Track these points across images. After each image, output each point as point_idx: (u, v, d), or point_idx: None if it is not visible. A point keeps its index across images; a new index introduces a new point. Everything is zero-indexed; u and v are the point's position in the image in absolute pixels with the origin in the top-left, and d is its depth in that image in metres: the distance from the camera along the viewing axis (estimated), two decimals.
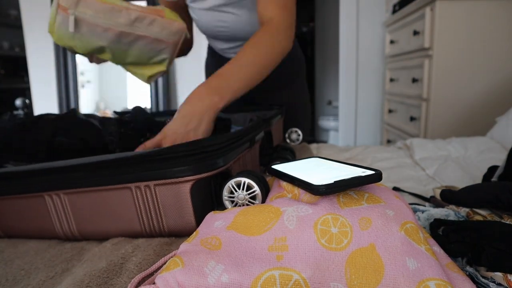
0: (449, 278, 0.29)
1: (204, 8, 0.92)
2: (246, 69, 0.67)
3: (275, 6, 0.73)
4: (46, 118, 0.63)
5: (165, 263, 0.35)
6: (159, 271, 0.35)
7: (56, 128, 0.61)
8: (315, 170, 0.43)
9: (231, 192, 0.44)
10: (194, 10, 0.95)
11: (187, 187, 0.41)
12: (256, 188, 0.43)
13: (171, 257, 0.35)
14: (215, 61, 1.15)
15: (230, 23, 0.93)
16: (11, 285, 0.39)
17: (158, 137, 0.58)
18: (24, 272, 0.41)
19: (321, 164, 0.45)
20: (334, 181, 0.35)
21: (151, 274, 0.35)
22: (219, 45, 1.06)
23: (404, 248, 0.30)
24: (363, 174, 0.37)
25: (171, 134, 0.58)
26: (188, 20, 0.99)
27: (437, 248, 0.35)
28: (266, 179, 0.48)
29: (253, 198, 0.43)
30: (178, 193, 0.42)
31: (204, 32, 1.02)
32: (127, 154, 0.42)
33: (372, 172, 0.38)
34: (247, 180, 0.43)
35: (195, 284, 0.29)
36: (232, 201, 0.44)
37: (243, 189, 0.43)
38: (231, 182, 0.43)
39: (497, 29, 1.51)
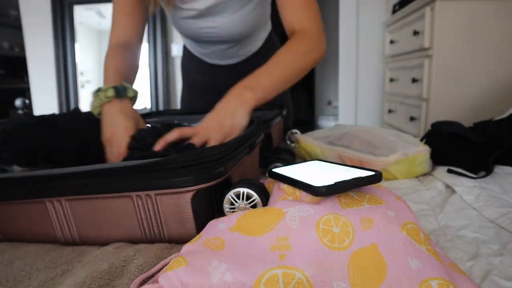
0: (451, 278, 0.29)
1: (192, 15, 0.87)
2: (279, 70, 0.68)
3: (309, 20, 0.76)
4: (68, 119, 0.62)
5: (165, 265, 0.36)
6: (161, 271, 0.35)
7: (85, 136, 0.60)
8: (316, 172, 0.43)
9: (232, 204, 0.44)
10: (177, 17, 0.89)
11: (188, 196, 0.41)
12: (255, 196, 0.43)
13: (172, 259, 0.36)
14: (193, 63, 1.12)
15: (220, 25, 0.89)
16: (12, 286, 0.39)
17: (192, 130, 0.57)
18: (24, 273, 0.41)
19: (321, 167, 0.45)
20: (335, 182, 0.35)
21: (152, 276, 0.35)
22: (201, 49, 1.03)
23: (406, 248, 0.30)
24: (363, 175, 0.37)
25: (205, 127, 0.57)
26: (143, 18, 0.84)
27: (438, 249, 0.35)
28: (265, 183, 0.48)
29: (254, 206, 0.44)
30: (179, 203, 0.42)
31: (185, 35, 0.96)
32: (129, 163, 0.42)
33: (373, 173, 0.38)
34: (246, 190, 0.43)
35: (199, 283, 0.29)
36: (234, 212, 0.44)
37: (242, 199, 0.43)
38: (230, 194, 0.44)
39: (497, 29, 1.51)
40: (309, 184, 0.36)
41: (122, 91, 0.63)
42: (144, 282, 0.34)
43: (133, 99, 0.67)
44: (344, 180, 0.36)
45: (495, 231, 0.49)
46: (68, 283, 0.36)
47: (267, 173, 0.47)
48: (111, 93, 0.61)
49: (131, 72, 0.78)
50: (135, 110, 0.66)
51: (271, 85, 0.66)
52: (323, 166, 0.46)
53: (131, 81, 0.76)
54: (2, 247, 0.49)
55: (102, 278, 0.36)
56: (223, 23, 0.89)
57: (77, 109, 0.68)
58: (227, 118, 0.58)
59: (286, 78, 0.69)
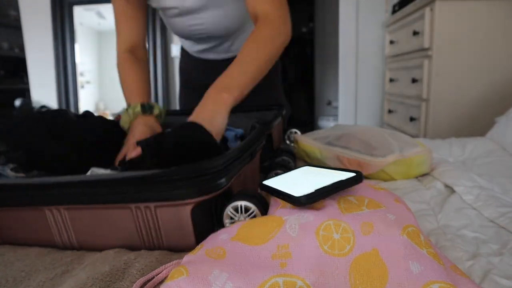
0: (453, 281, 0.29)
1: (176, 14, 0.89)
2: (250, 65, 0.67)
3: (271, 3, 0.73)
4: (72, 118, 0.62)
5: (166, 269, 0.36)
6: (159, 274, 0.35)
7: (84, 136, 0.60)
8: (302, 180, 0.44)
9: (231, 218, 0.44)
10: (166, 16, 0.93)
11: (188, 209, 0.41)
12: (253, 208, 0.43)
13: (173, 264, 0.36)
14: (190, 63, 1.14)
15: (205, 21, 0.90)
16: (11, 286, 0.39)
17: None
18: (24, 273, 0.41)
19: (309, 173, 0.47)
20: (315, 190, 0.36)
21: (153, 278, 0.35)
22: (195, 47, 1.06)
23: (407, 252, 0.30)
24: (343, 178, 0.38)
25: None
26: (143, 20, 0.89)
27: (438, 251, 0.35)
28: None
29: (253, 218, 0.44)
30: (178, 215, 0.41)
31: (177, 34, 0.99)
32: (128, 174, 0.42)
33: (353, 174, 0.39)
34: (244, 203, 0.43)
35: None
36: None
37: (241, 212, 0.43)
38: (229, 208, 0.44)
39: (497, 29, 1.51)
40: (290, 195, 0.37)
41: (148, 109, 0.72)
42: (144, 285, 0.34)
43: (159, 116, 0.75)
44: (324, 186, 0.37)
45: (494, 231, 0.49)
46: (69, 284, 0.36)
47: (259, 187, 0.47)
48: (138, 109, 0.71)
49: (147, 82, 0.83)
50: (157, 123, 0.73)
51: (245, 81, 0.66)
52: (311, 172, 0.47)
53: (149, 91, 0.82)
54: (2, 249, 0.49)
55: (103, 280, 0.36)
56: (209, 19, 0.90)
57: (88, 112, 0.68)
58: (206, 121, 0.56)
59: (258, 69, 0.69)
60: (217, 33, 0.95)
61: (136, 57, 0.84)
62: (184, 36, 0.99)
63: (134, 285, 0.33)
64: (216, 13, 0.89)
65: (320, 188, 0.36)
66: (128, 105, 0.73)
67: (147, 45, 0.92)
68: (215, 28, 0.93)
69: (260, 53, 0.69)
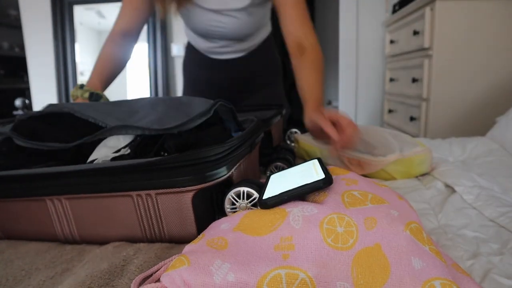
0: (454, 278, 0.29)
1: (208, 8, 0.95)
2: (321, 86, 0.90)
3: (312, 34, 0.96)
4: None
5: (164, 265, 0.36)
6: (158, 271, 0.35)
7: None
8: (280, 181, 0.44)
9: (233, 204, 0.44)
10: (193, 7, 0.97)
11: (189, 196, 0.41)
12: (256, 195, 0.43)
13: (172, 260, 0.36)
14: (197, 60, 1.18)
15: (227, 25, 0.99)
16: (12, 285, 0.39)
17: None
18: (24, 272, 0.41)
19: (284, 175, 0.47)
20: (279, 193, 0.38)
21: (152, 275, 0.35)
22: (204, 44, 1.10)
23: (410, 248, 0.30)
24: (309, 182, 0.39)
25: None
26: (146, 12, 0.98)
27: (440, 249, 0.35)
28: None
29: (255, 205, 0.44)
30: (179, 202, 0.42)
31: (194, 29, 1.05)
32: (129, 162, 0.42)
33: (320, 178, 0.39)
34: (246, 189, 0.43)
35: (201, 282, 0.29)
36: (235, 212, 0.44)
37: (243, 198, 0.43)
38: (231, 194, 0.44)
39: (497, 29, 1.51)
40: (260, 197, 0.40)
41: (94, 99, 0.82)
42: (143, 281, 0.34)
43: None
44: (288, 190, 0.38)
45: (495, 230, 0.49)
46: (68, 282, 0.36)
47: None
48: (86, 95, 0.82)
49: (117, 65, 0.96)
50: None
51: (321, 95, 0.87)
52: (286, 173, 0.48)
53: (115, 73, 0.96)
54: (2, 246, 0.49)
55: (102, 278, 0.36)
56: (230, 24, 0.99)
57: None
58: None
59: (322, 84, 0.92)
60: (234, 37, 1.04)
61: (124, 42, 0.96)
62: (199, 32, 1.05)
63: (133, 282, 0.33)
64: (238, 20, 0.98)
65: (283, 192, 0.38)
66: (82, 85, 0.84)
67: (145, 43, 1.04)
68: (234, 33, 1.02)
69: (320, 75, 0.92)
